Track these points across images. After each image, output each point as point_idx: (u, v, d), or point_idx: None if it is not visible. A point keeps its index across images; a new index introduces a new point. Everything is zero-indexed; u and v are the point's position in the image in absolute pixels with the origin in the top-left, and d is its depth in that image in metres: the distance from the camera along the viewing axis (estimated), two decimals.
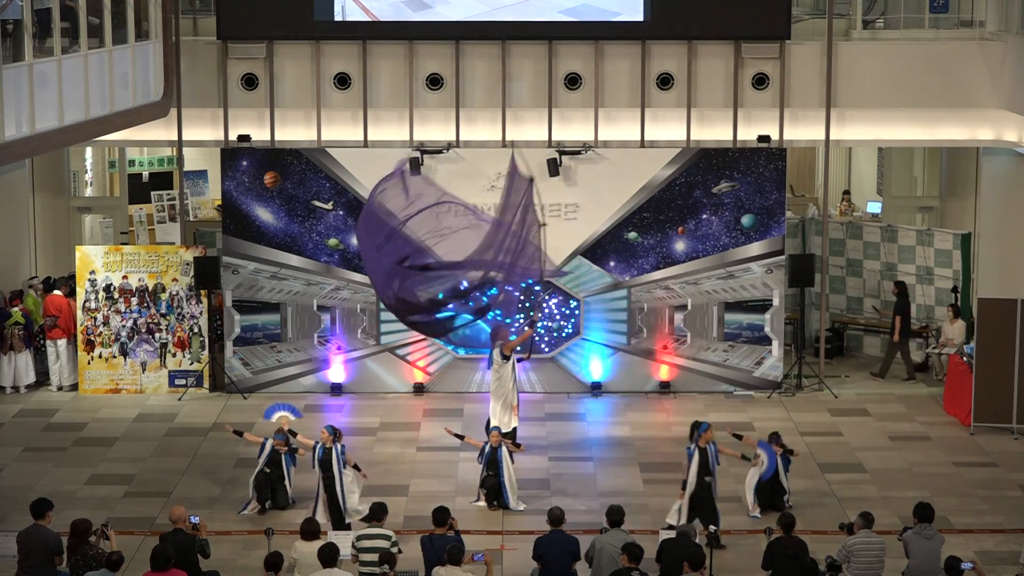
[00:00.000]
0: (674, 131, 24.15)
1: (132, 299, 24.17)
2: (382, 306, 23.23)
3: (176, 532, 15.70)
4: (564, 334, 24.21)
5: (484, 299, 21.02)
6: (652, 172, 23.83)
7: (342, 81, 24.03)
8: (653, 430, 22.51)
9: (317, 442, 18.58)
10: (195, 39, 24.38)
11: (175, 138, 24.45)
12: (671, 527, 17.08)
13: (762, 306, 24.10)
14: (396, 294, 20.66)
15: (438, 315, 20.90)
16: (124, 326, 24.16)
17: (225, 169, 23.99)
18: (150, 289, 24.18)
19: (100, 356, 24.16)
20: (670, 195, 23.89)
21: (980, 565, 15.57)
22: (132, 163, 29.82)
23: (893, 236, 25.88)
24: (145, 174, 29.94)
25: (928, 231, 25.81)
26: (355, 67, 23.99)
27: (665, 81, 23.98)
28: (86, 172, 30.15)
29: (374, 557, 15.30)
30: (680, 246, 24.00)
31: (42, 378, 24.47)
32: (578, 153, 23.74)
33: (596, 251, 23.98)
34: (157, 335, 24.18)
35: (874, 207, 29.73)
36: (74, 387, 24.29)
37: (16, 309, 24.08)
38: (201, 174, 30.14)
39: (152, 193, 29.67)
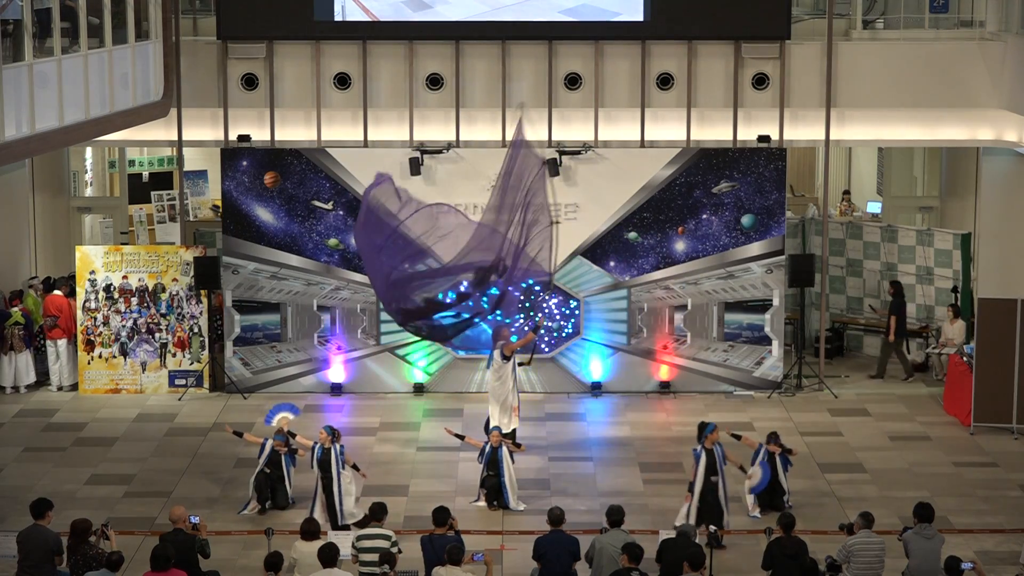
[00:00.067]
0: (674, 131, 24.15)
1: (132, 299, 24.17)
2: (382, 306, 23.23)
3: (176, 532, 15.70)
4: (564, 334, 24.21)
5: (484, 301, 21.00)
6: (652, 172, 23.83)
7: (342, 81, 24.03)
8: (653, 430, 22.51)
9: (316, 443, 18.58)
10: (195, 39, 24.38)
11: (175, 138, 24.45)
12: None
13: (762, 306, 24.11)
14: (399, 306, 20.65)
15: (439, 320, 20.87)
16: (124, 326, 24.16)
17: (225, 169, 23.99)
18: (150, 289, 24.18)
19: (100, 356, 24.16)
20: (670, 195, 23.89)
21: (980, 565, 15.58)
22: (132, 163, 29.82)
23: (893, 236, 25.88)
24: (145, 174, 29.94)
25: (928, 231, 25.81)
26: (355, 67, 23.99)
27: (665, 81, 23.98)
28: (86, 172, 30.15)
29: (374, 557, 15.30)
30: (680, 246, 24.00)
31: (42, 378, 24.47)
32: (578, 153, 23.74)
33: (596, 251, 23.98)
34: (157, 335, 24.18)
35: (874, 207, 29.73)
36: (74, 387, 24.29)
37: (16, 309, 24.08)
38: (201, 174, 30.14)
39: (152, 193, 29.67)
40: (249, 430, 20.78)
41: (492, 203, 20.47)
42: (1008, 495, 19.77)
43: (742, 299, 24.11)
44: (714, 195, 23.88)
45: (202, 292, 24.12)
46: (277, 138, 24.10)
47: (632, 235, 23.97)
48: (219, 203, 29.66)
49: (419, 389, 24.20)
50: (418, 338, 22.86)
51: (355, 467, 18.76)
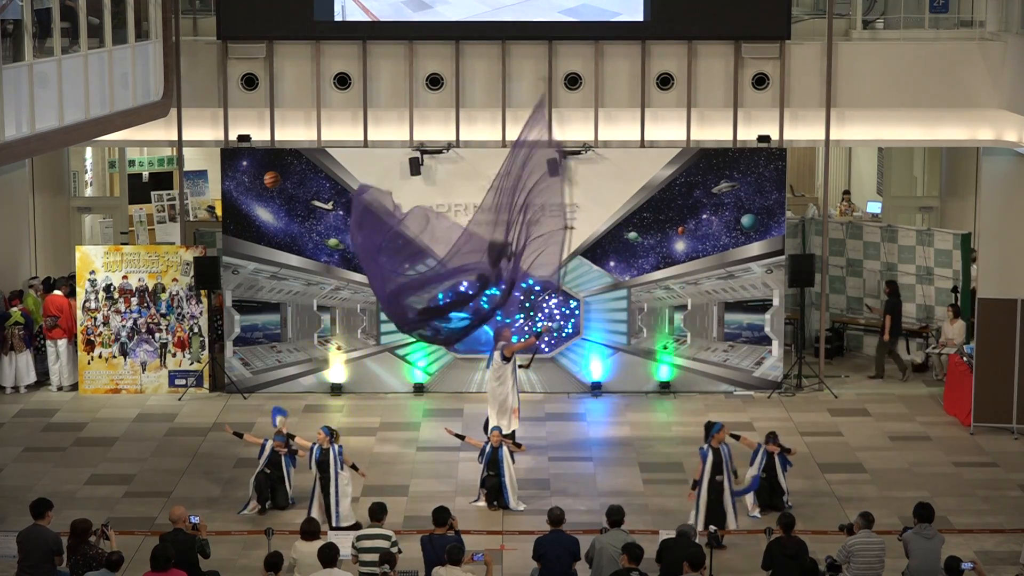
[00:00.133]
0: (674, 131, 24.14)
1: (132, 299, 24.17)
2: (382, 308, 23.26)
3: (176, 532, 15.70)
4: (564, 334, 24.21)
5: (484, 301, 20.97)
6: (652, 172, 23.83)
7: (342, 81, 24.03)
8: (653, 430, 22.51)
9: (314, 443, 18.57)
10: (195, 39, 24.38)
11: (175, 138, 24.45)
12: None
13: (762, 306, 24.11)
14: (401, 316, 20.66)
15: (440, 325, 20.86)
16: (124, 326, 24.16)
17: (225, 169, 23.99)
18: (150, 289, 24.18)
19: (100, 356, 24.16)
20: (670, 195, 23.89)
21: (980, 565, 15.58)
22: (132, 163, 29.83)
23: (893, 236, 25.88)
24: (145, 174, 29.96)
25: (928, 231, 25.81)
26: (355, 67, 23.99)
27: (665, 81, 23.98)
28: (86, 172, 30.16)
29: (374, 557, 15.30)
30: (680, 246, 24.00)
31: (42, 378, 24.47)
32: (578, 153, 23.74)
33: (596, 251, 23.98)
34: (157, 335, 24.18)
35: (874, 207, 29.74)
36: (74, 387, 24.29)
37: (15, 309, 24.08)
38: (201, 174, 30.15)
39: (152, 193, 29.69)
40: (249, 430, 20.79)
41: (487, 203, 20.42)
42: (1008, 495, 19.77)
43: (742, 299, 24.11)
44: (714, 195, 23.88)
45: (202, 292, 24.12)
46: (277, 138, 24.10)
47: (632, 235, 23.97)
48: (214, 204, 29.81)
49: (419, 389, 24.20)
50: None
51: (354, 467, 18.75)
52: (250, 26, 23.85)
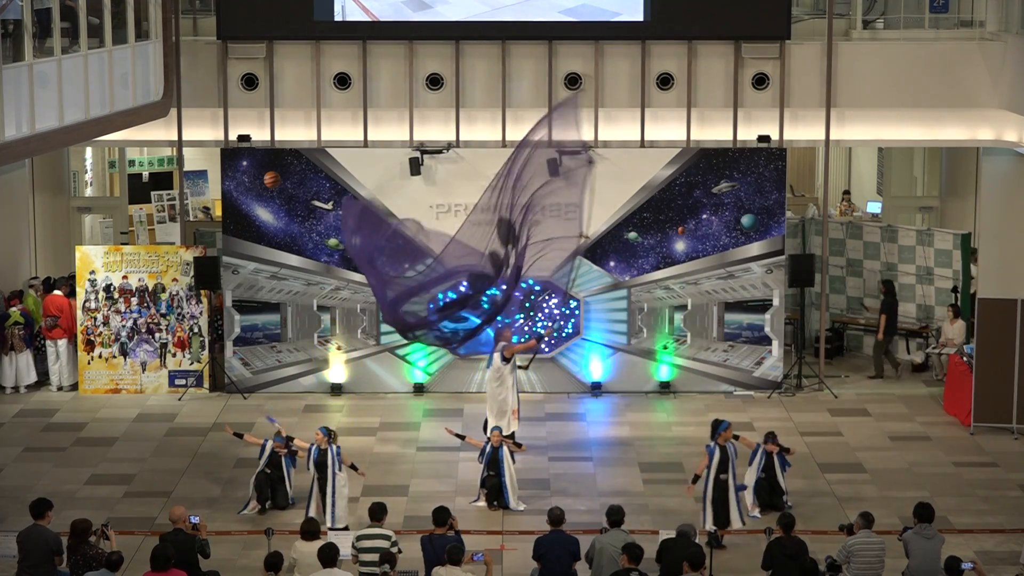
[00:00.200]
0: (674, 131, 24.14)
1: (132, 299, 24.17)
2: (382, 317, 23.33)
3: (176, 532, 15.70)
4: (564, 334, 24.21)
5: (484, 301, 20.98)
6: (652, 172, 23.83)
7: (342, 81, 24.02)
8: (653, 430, 22.51)
9: (312, 444, 18.57)
10: (195, 39, 24.38)
11: (175, 138, 24.45)
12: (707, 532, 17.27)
13: (762, 306, 24.11)
14: (403, 321, 20.68)
15: (442, 328, 20.87)
16: (124, 326, 24.16)
17: (225, 169, 23.99)
18: (150, 289, 24.18)
19: (100, 356, 24.16)
20: (670, 195, 23.89)
21: (980, 565, 15.58)
22: (132, 163, 29.84)
23: (893, 236, 25.88)
24: (145, 174, 29.97)
25: (928, 231, 25.81)
26: (355, 67, 23.99)
27: (665, 81, 23.98)
28: (86, 172, 30.17)
29: (374, 557, 15.31)
30: (680, 246, 24.00)
31: (43, 378, 24.47)
32: (578, 153, 23.69)
33: (596, 251, 23.97)
34: (157, 335, 24.18)
35: (874, 207, 29.74)
36: (74, 387, 24.29)
37: (14, 309, 24.08)
38: (201, 174, 30.16)
39: (152, 193, 29.69)
40: (249, 430, 20.79)
41: (485, 202, 20.41)
42: (1008, 495, 19.77)
43: (742, 299, 24.11)
44: (714, 195, 23.88)
45: (202, 292, 24.12)
46: (277, 138, 24.10)
47: (632, 235, 23.97)
48: (209, 205, 29.83)
49: (419, 389, 24.20)
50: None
51: (353, 467, 18.74)
52: (250, 26, 23.85)
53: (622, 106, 24.01)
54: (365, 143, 24.09)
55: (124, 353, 24.17)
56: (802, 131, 24.35)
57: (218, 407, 23.47)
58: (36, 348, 24.34)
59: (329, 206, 23.86)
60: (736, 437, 19.25)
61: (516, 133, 23.83)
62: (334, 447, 18.39)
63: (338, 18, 23.86)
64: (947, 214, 28.11)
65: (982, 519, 18.82)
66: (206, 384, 24.20)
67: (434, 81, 24.00)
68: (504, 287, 20.65)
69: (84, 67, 20.51)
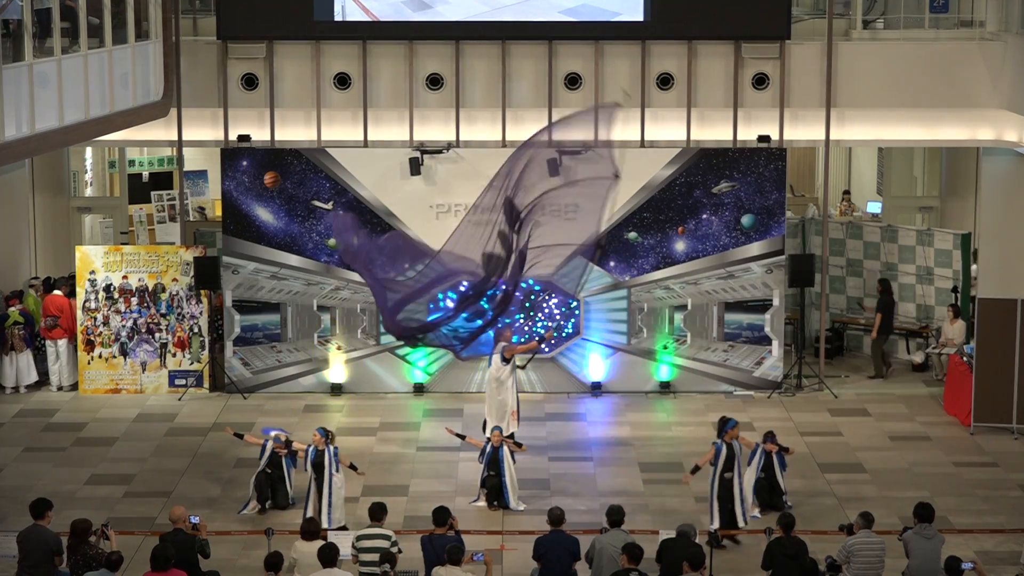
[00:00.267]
0: (674, 131, 24.14)
1: (132, 299, 24.17)
2: (383, 328, 23.37)
3: (176, 532, 15.70)
4: (564, 334, 24.21)
5: (484, 302, 20.98)
6: (652, 172, 23.83)
7: (342, 81, 24.02)
8: (653, 430, 22.51)
9: (310, 445, 18.55)
10: (195, 39, 24.38)
11: (175, 138, 24.45)
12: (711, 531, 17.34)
13: (762, 306, 24.10)
14: (404, 327, 20.72)
15: (444, 331, 20.87)
16: (124, 326, 24.16)
17: (225, 169, 23.99)
18: (150, 289, 24.18)
19: (100, 356, 24.16)
20: (670, 195, 23.89)
21: (980, 565, 15.58)
22: (132, 163, 29.83)
23: (893, 236, 25.88)
24: (145, 174, 29.96)
25: (928, 231, 25.81)
26: (355, 67, 23.99)
27: (665, 81, 23.98)
28: (86, 172, 30.17)
29: (374, 557, 15.31)
30: (680, 246, 23.99)
31: (44, 378, 24.47)
32: (578, 153, 23.69)
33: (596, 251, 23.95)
34: (157, 335, 24.18)
35: (874, 207, 29.74)
36: (74, 387, 24.29)
37: (13, 309, 24.07)
38: (201, 174, 30.15)
39: (152, 193, 29.69)
40: (249, 430, 20.79)
41: (484, 203, 20.42)
42: (1008, 495, 19.77)
43: (742, 299, 24.11)
44: (714, 195, 23.87)
45: (202, 292, 24.11)
46: (277, 138, 24.09)
47: (632, 235, 23.97)
48: (204, 205, 29.83)
49: (419, 389, 24.20)
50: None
51: (353, 466, 18.74)
52: (250, 26, 23.85)
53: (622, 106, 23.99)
54: (365, 143, 24.09)
55: (124, 353, 24.17)
56: (802, 131, 24.35)
57: (218, 407, 23.47)
58: (36, 348, 24.34)
59: (329, 206, 23.86)
60: (735, 437, 19.28)
61: (516, 133, 23.88)
62: (331, 448, 18.38)
63: (338, 18, 23.86)
64: (947, 214, 28.11)
65: (982, 519, 18.82)
66: (206, 384, 24.20)
67: (434, 81, 24.00)
68: (504, 287, 20.65)
69: (84, 67, 20.51)
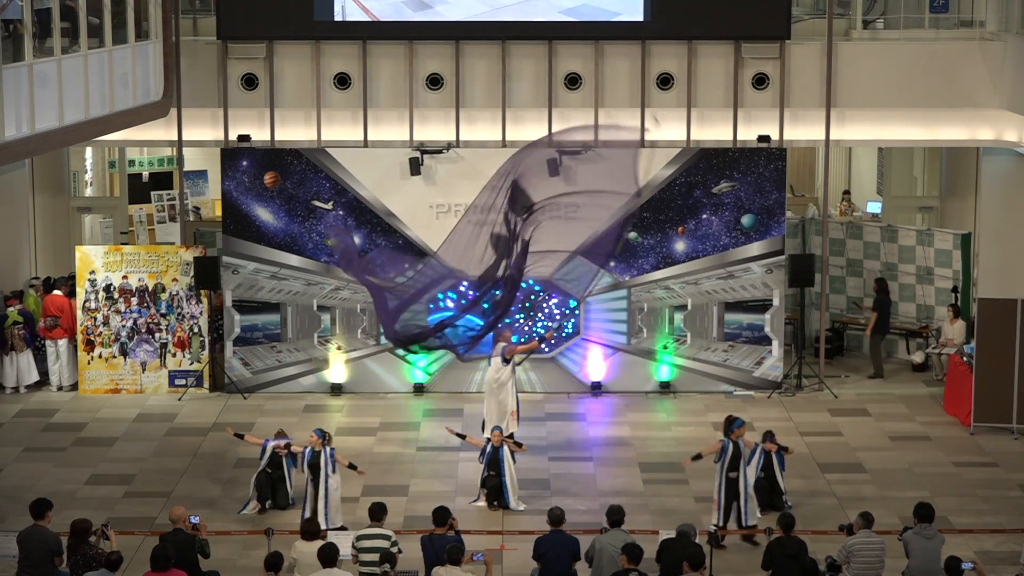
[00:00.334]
0: (674, 131, 24.14)
1: (132, 299, 24.17)
2: (384, 339, 23.41)
3: (176, 532, 15.70)
4: (564, 334, 24.21)
5: (485, 304, 20.98)
6: (652, 172, 23.83)
7: (342, 81, 24.02)
8: (653, 430, 22.51)
9: (306, 446, 18.54)
10: (195, 39, 24.38)
11: (175, 138, 24.45)
12: (713, 529, 17.33)
13: (762, 306, 24.10)
14: (402, 335, 20.78)
15: (445, 332, 20.89)
16: (124, 326, 24.16)
17: (225, 169, 23.99)
18: (150, 289, 24.18)
19: (100, 356, 24.16)
20: (670, 195, 23.88)
21: (980, 565, 15.58)
22: (132, 163, 29.82)
23: (893, 236, 25.88)
24: (145, 174, 29.95)
25: (928, 231, 25.81)
26: (355, 67, 23.99)
27: (665, 81, 23.98)
28: (86, 172, 30.16)
29: (374, 557, 15.31)
30: (680, 246, 23.99)
31: (44, 378, 24.47)
32: (578, 153, 23.72)
33: (596, 251, 23.94)
34: (157, 335, 24.18)
35: (874, 207, 29.73)
36: (74, 387, 24.29)
37: (12, 309, 24.07)
38: (201, 174, 30.14)
39: (152, 193, 29.68)
40: (249, 430, 20.81)
41: (483, 203, 20.44)
42: (1008, 495, 19.77)
43: (742, 299, 24.11)
44: (714, 195, 23.87)
45: (202, 292, 24.11)
46: (277, 138, 24.09)
47: (632, 235, 23.96)
48: (199, 205, 29.82)
49: (419, 389, 24.20)
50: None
51: (352, 466, 18.73)
52: (250, 26, 23.85)
53: (622, 106, 24.00)
54: (365, 143, 24.09)
55: (124, 353, 24.17)
56: (802, 131, 24.35)
57: (218, 407, 23.47)
58: (36, 348, 24.34)
59: (329, 206, 23.85)
60: (741, 436, 19.28)
61: (516, 133, 23.91)
62: (328, 449, 18.35)
63: (338, 18, 23.86)
64: (947, 214, 28.10)
65: (982, 519, 18.82)
66: (206, 384, 24.20)
67: (434, 81, 24.00)
68: (505, 288, 20.67)
69: (84, 67, 20.51)
